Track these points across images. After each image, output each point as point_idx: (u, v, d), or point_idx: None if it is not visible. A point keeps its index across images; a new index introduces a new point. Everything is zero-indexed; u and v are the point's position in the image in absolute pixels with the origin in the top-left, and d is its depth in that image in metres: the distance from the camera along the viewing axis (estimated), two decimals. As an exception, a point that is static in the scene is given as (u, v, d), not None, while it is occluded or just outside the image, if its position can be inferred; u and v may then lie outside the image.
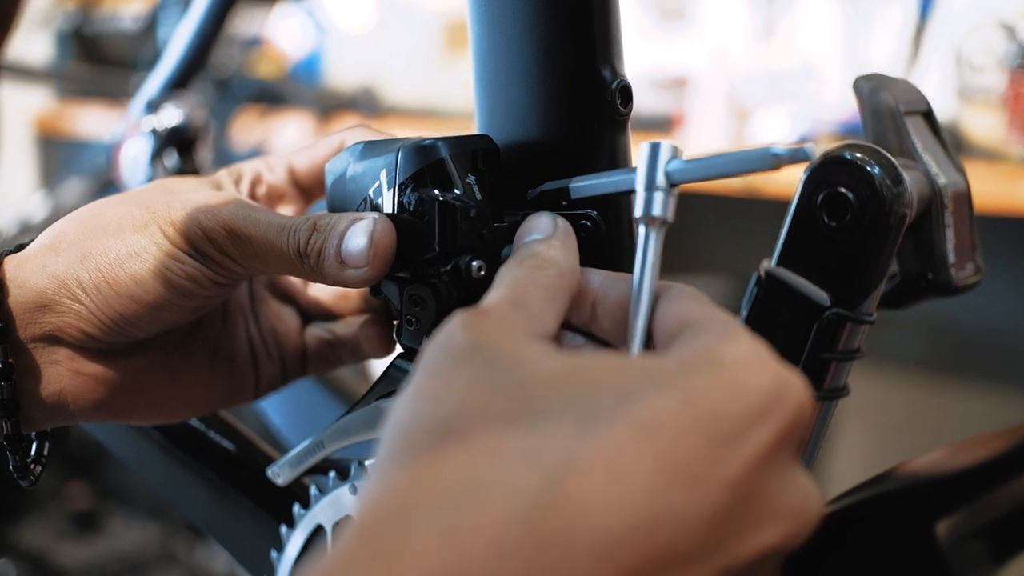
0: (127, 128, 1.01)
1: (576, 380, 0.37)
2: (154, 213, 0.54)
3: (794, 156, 0.42)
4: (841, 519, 0.46)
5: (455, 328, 0.41)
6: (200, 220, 0.53)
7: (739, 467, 0.35)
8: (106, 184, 1.97)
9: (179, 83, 1.03)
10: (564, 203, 0.52)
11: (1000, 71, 1.91)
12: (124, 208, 0.55)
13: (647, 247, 0.46)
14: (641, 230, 0.46)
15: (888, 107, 0.61)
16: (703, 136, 2.17)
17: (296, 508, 0.59)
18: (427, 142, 0.52)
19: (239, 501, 0.66)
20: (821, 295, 0.56)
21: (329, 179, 0.57)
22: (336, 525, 0.58)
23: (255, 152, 2.36)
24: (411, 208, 0.52)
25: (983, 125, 1.90)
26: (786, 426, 0.36)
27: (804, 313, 0.57)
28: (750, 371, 0.37)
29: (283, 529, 0.60)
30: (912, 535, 0.44)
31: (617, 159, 0.54)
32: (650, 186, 0.46)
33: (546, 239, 0.49)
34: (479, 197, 0.52)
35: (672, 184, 0.46)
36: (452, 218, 0.51)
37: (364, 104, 2.48)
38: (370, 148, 0.55)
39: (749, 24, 2.42)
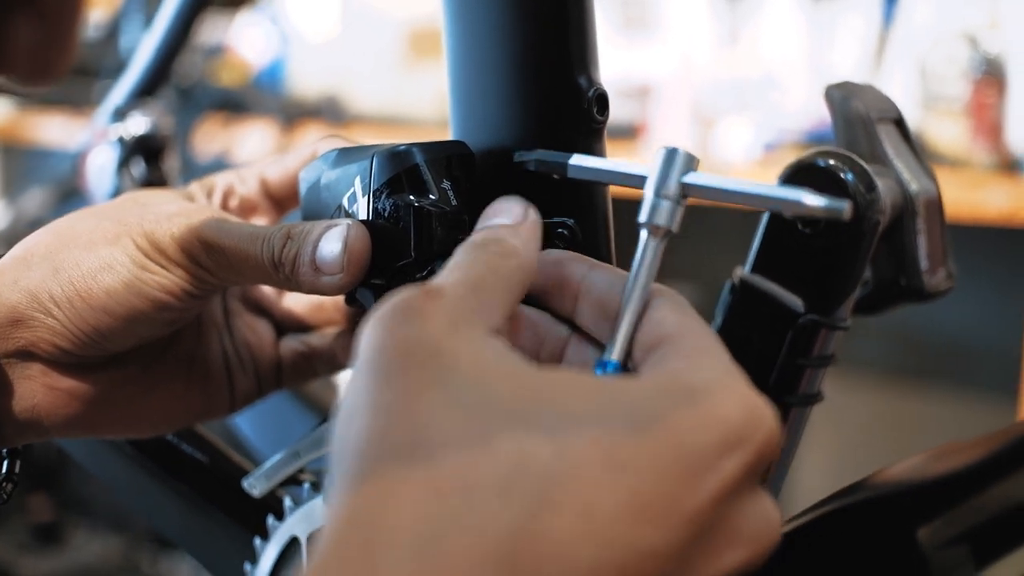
0: (93, 136, 1.00)
1: (546, 402, 0.37)
2: (126, 225, 0.53)
3: (827, 209, 0.41)
4: (821, 527, 0.46)
5: (402, 314, 0.39)
6: (173, 232, 0.53)
7: (707, 499, 0.35)
8: (70, 193, 1.94)
9: (146, 91, 1.02)
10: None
11: (963, 80, 1.93)
12: (96, 221, 0.54)
13: (644, 255, 0.45)
14: (642, 236, 0.45)
15: (860, 114, 0.61)
16: (667, 144, 2.18)
17: (270, 520, 0.59)
18: (401, 148, 0.52)
19: (212, 514, 0.66)
20: (796, 301, 0.56)
21: (303, 187, 0.57)
22: (311, 537, 0.57)
23: (218, 161, 2.34)
24: (386, 214, 0.52)
25: (947, 133, 1.92)
26: (754, 457, 0.37)
27: (779, 320, 0.57)
28: (721, 401, 0.37)
29: (257, 541, 0.59)
30: (893, 542, 0.44)
31: (594, 167, 0.53)
32: (659, 192, 0.45)
33: (513, 226, 0.46)
34: (454, 203, 0.52)
35: (684, 196, 0.45)
36: (428, 224, 0.51)
37: (328, 112, 2.47)
38: (344, 155, 0.55)
39: (713, 32, 2.44)
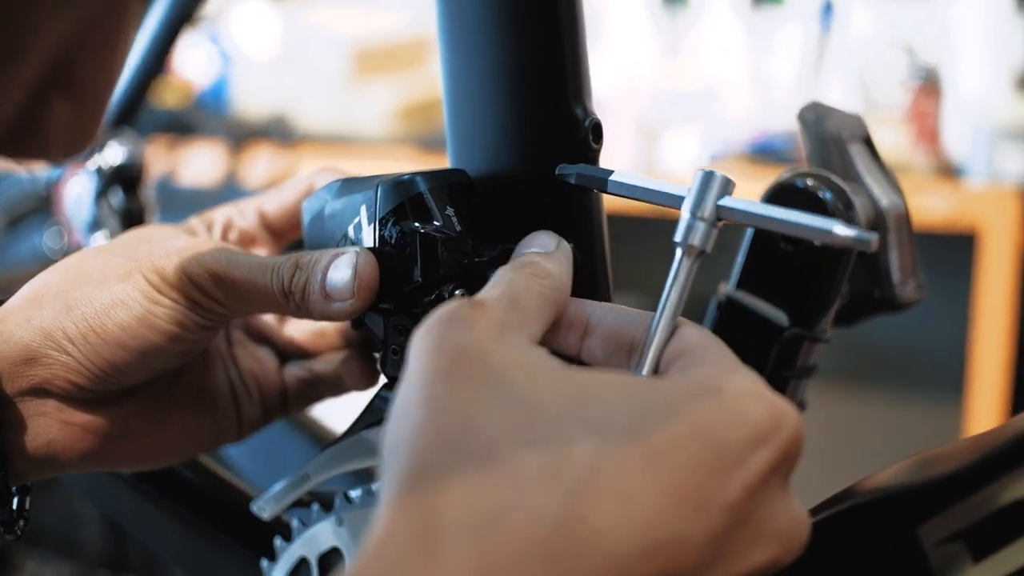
0: (69, 166, 1.00)
1: (587, 399, 0.40)
2: (136, 261, 0.55)
3: (855, 240, 0.43)
4: (825, 527, 0.48)
5: (450, 323, 0.42)
6: (183, 266, 0.54)
7: (737, 491, 0.38)
8: (17, 220, 1.92)
9: (120, 120, 1.02)
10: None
11: (901, 88, 1.98)
12: (106, 258, 0.56)
13: (679, 273, 0.47)
14: (676, 255, 0.47)
15: (832, 135, 0.64)
16: (614, 158, 2.21)
17: (278, 541, 0.60)
18: (405, 177, 0.54)
19: (217, 538, 0.66)
20: (780, 316, 0.59)
21: (306, 217, 0.59)
22: (320, 557, 0.58)
23: (164, 183, 2.33)
24: (392, 241, 0.53)
25: (887, 140, 1.97)
26: (781, 454, 0.40)
27: (764, 334, 0.59)
28: (749, 402, 0.40)
29: (264, 563, 0.60)
30: (895, 540, 0.46)
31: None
32: (695, 213, 0.47)
33: (546, 254, 0.50)
34: (459, 228, 0.54)
35: (718, 218, 0.47)
36: (434, 249, 0.53)
37: (276, 132, 2.46)
38: (347, 185, 0.56)
39: (654, 45, 2.47)
